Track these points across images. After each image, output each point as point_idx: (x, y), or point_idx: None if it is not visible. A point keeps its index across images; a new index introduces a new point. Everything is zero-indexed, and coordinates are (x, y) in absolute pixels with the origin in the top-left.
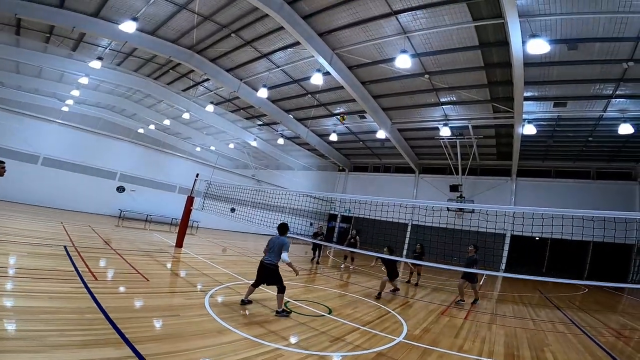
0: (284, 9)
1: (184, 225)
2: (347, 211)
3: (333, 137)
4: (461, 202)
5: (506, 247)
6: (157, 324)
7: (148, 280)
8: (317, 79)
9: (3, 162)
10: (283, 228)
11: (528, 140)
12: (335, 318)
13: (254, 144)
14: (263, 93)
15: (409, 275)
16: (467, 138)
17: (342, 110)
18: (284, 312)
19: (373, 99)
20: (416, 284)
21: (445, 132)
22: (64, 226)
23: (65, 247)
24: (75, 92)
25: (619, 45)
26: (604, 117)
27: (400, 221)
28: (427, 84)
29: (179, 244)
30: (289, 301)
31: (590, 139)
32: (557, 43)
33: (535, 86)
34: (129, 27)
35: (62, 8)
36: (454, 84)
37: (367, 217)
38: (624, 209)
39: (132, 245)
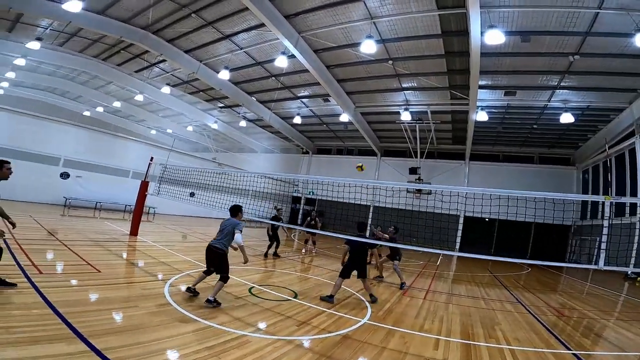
0: None
1: (138, 212)
2: (311, 193)
3: (297, 120)
4: (419, 184)
5: (460, 228)
6: (114, 316)
7: (100, 272)
8: (281, 62)
9: (9, 163)
10: (235, 209)
11: (480, 126)
12: (301, 302)
13: (214, 126)
14: (224, 75)
15: (369, 257)
16: (425, 123)
17: (306, 93)
18: (215, 303)
19: (337, 82)
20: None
21: (405, 116)
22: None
23: (5, 240)
24: (11, 74)
25: (568, 39)
26: (548, 106)
27: (362, 203)
28: (390, 70)
29: (134, 232)
30: (253, 286)
31: (535, 126)
32: (512, 35)
33: (489, 75)
34: (73, 6)
35: None
36: (415, 70)
37: (331, 199)
38: (563, 192)
39: (81, 235)
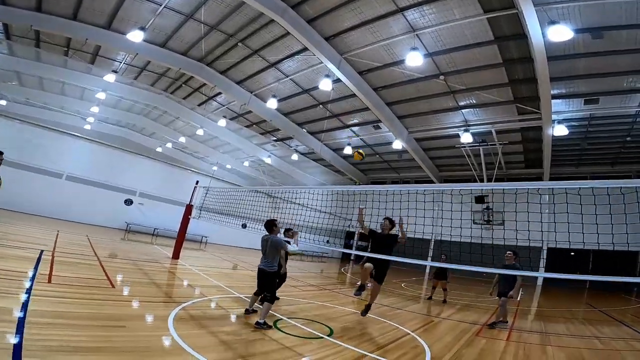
0: (287, 13)
1: (181, 235)
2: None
3: (348, 151)
4: (488, 214)
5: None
6: (85, 333)
7: (113, 287)
8: (326, 85)
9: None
10: (270, 224)
11: (559, 144)
12: (335, 341)
13: (268, 160)
14: (272, 104)
15: (431, 291)
16: (491, 144)
17: (355, 121)
18: (265, 325)
19: (387, 105)
20: (444, 301)
21: (466, 138)
22: (58, 234)
23: (42, 250)
24: (95, 109)
25: None
26: None
27: (424, 237)
28: (442, 87)
29: (176, 255)
30: (281, 318)
31: (628, 138)
32: (580, 32)
33: (562, 82)
34: (136, 36)
35: (74, 20)
36: (472, 84)
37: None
38: None
39: (124, 254)
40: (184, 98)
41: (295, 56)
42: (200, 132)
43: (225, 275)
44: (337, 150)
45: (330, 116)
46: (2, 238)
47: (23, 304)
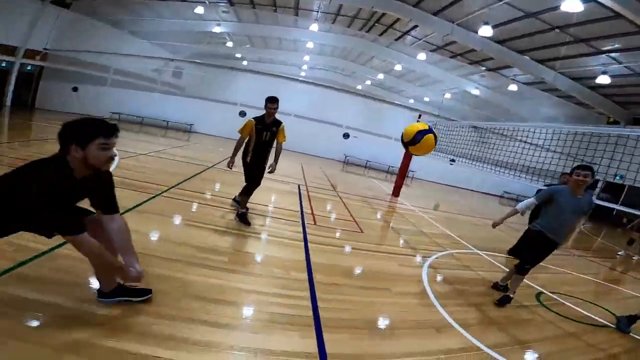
0: None
1: (402, 174)
2: (617, 177)
3: (602, 80)
4: None
5: None
6: (359, 299)
7: (362, 232)
8: (573, 5)
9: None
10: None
11: None
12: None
13: (475, 92)
14: (486, 31)
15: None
16: None
17: (616, 45)
18: (508, 298)
19: None
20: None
21: None
22: (302, 167)
23: (299, 185)
24: (306, 57)
25: None
26: None
27: None
28: None
29: (396, 193)
30: (542, 291)
31: None
32: None
33: None
34: None
35: None
36: None
37: None
38: None
39: (351, 189)
40: (379, 35)
41: None
42: (398, 67)
43: (449, 220)
44: (582, 79)
45: (572, 41)
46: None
47: (307, 256)
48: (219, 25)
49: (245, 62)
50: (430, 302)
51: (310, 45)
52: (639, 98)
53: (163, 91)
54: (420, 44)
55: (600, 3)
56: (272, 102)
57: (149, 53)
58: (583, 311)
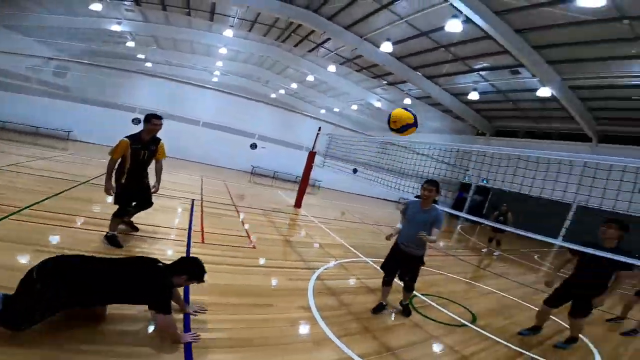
0: None
1: (304, 184)
2: (484, 181)
3: (473, 96)
4: None
5: None
6: (238, 315)
7: (254, 248)
8: (454, 27)
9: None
10: (435, 184)
11: None
12: (481, 331)
13: (377, 104)
14: (387, 47)
15: (487, 244)
16: None
17: (486, 64)
18: (407, 310)
19: (534, 50)
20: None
21: None
22: (202, 180)
23: (193, 200)
24: (219, 63)
25: None
26: None
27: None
28: (624, 31)
29: (298, 204)
30: (415, 295)
31: None
32: None
33: None
34: None
35: None
36: None
37: (513, 191)
38: None
39: (255, 202)
40: (294, 46)
41: None
42: (310, 78)
43: (347, 230)
44: (459, 95)
45: (452, 59)
46: (164, 187)
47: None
48: (119, 23)
49: (149, 64)
50: (312, 315)
51: (223, 50)
52: (500, 113)
53: (38, 93)
54: (332, 56)
55: (475, 24)
56: (157, 118)
57: (26, 50)
58: (447, 312)
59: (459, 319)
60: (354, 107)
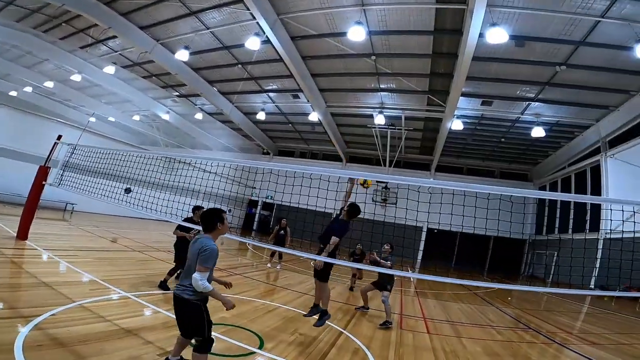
0: None
1: (29, 209)
2: (269, 197)
3: (260, 116)
4: (386, 193)
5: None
6: None
7: None
8: (253, 44)
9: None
10: (211, 218)
11: (451, 137)
12: (271, 356)
13: (165, 117)
14: (183, 55)
15: (351, 281)
16: (397, 129)
17: (275, 86)
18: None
19: (312, 77)
20: (351, 289)
21: (380, 120)
22: None
23: None
24: None
25: (560, 48)
26: (520, 119)
27: (327, 210)
28: (371, 67)
29: (22, 234)
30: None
31: (502, 139)
32: (509, 38)
33: (473, 82)
34: None
35: None
36: (398, 69)
37: (291, 204)
38: (520, 208)
39: None
40: (61, 39)
41: (224, 8)
42: (77, 77)
43: (103, 260)
44: (249, 114)
45: (248, 78)
46: None
47: None
48: None
49: None
50: None
51: None
52: (283, 134)
53: None
54: (115, 56)
55: (273, 46)
56: None
57: None
58: (232, 340)
59: (245, 346)
60: (136, 117)
